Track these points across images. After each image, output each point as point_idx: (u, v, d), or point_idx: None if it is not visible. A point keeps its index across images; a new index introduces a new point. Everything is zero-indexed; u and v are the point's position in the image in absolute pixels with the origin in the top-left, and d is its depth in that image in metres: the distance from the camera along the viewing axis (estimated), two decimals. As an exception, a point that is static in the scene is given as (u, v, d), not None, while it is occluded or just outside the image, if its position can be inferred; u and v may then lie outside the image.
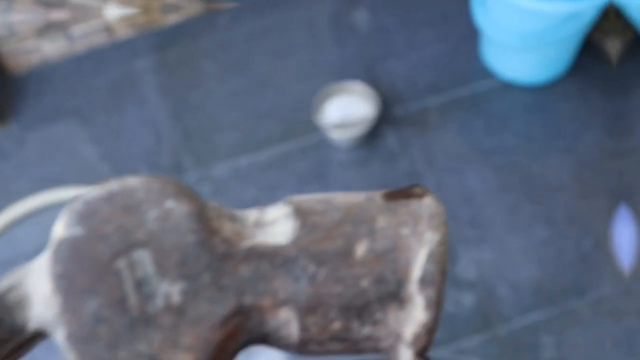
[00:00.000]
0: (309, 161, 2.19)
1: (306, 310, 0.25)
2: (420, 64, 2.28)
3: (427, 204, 0.28)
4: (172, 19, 2.42)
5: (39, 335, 0.27)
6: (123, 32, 2.40)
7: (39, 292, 0.24)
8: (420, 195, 0.29)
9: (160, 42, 2.37)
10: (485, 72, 2.26)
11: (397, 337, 0.26)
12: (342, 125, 2.14)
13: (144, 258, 0.24)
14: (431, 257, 0.25)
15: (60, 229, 0.26)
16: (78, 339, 0.23)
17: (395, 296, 0.25)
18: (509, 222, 2.09)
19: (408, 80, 2.27)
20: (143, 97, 2.27)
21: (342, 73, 2.29)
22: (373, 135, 2.16)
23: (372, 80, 2.26)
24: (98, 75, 2.31)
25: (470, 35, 2.33)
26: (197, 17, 2.43)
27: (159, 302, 0.24)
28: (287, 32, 2.40)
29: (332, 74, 2.32)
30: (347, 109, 2.18)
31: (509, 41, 1.99)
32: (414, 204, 0.28)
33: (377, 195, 0.30)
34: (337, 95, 2.18)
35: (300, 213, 0.27)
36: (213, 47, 2.40)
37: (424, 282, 0.26)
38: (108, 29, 2.38)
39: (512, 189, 2.13)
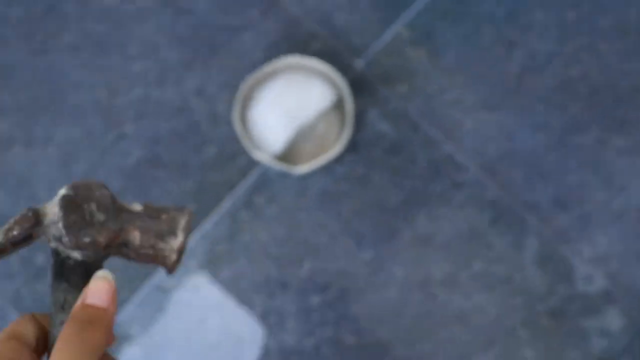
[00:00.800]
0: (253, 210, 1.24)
1: (141, 233, 0.51)
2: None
3: (185, 211, 0.54)
4: None
5: (38, 235, 0.50)
6: None
7: (51, 211, 0.49)
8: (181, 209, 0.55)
9: None
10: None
11: (172, 250, 0.52)
12: (297, 148, 1.19)
13: (92, 206, 0.49)
14: (187, 223, 0.53)
15: (64, 190, 0.49)
16: (68, 227, 0.47)
17: (173, 232, 0.52)
18: (606, 176, 1.29)
19: (339, 2, 1.31)
20: None
21: (228, 32, 1.28)
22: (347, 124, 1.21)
23: (286, 27, 1.28)
24: None
25: None
26: None
27: (97, 219, 0.49)
28: None
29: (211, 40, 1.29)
30: (293, 113, 1.22)
31: None
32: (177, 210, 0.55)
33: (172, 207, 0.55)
34: (261, 91, 1.22)
35: (146, 207, 0.53)
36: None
37: (183, 230, 0.53)
38: None
39: (586, 123, 1.30)
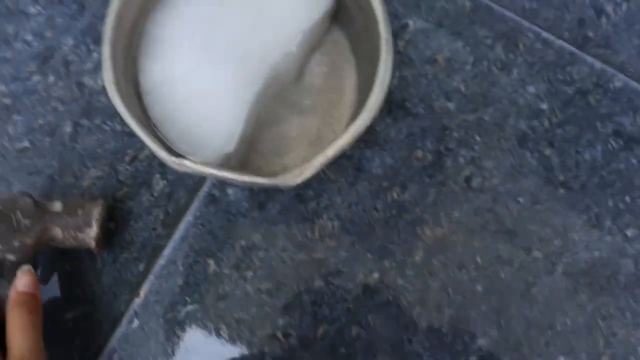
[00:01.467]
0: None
1: (63, 229, 0.56)
2: None
3: (97, 203, 0.58)
4: None
5: None
6: None
7: None
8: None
9: None
10: None
11: (90, 238, 0.56)
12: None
13: (18, 214, 0.54)
14: (100, 214, 0.56)
15: None
16: (1, 227, 0.54)
17: (89, 224, 0.56)
18: None
19: None
20: None
21: None
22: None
23: None
24: None
25: None
26: None
27: (24, 224, 0.54)
28: None
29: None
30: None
31: None
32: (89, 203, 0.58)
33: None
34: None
35: (65, 205, 0.58)
36: None
37: (97, 221, 0.56)
38: None
39: None
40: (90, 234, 0.57)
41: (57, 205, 0.58)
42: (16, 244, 0.55)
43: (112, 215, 0.61)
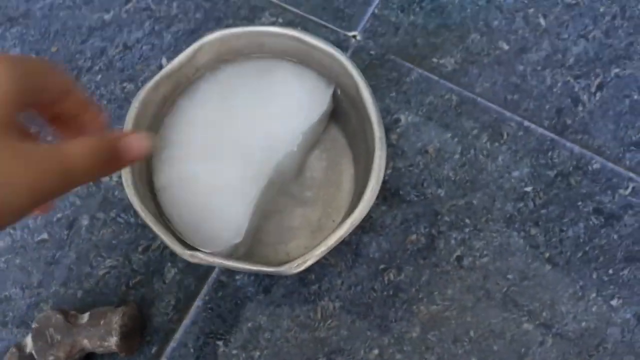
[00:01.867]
0: None
1: (89, 340, 0.59)
2: None
3: (118, 312, 0.61)
4: None
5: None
6: None
7: (29, 342, 0.60)
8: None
9: None
10: None
11: (113, 346, 0.59)
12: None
13: (51, 330, 0.60)
14: (118, 323, 0.59)
15: (34, 324, 0.60)
16: (37, 352, 0.59)
17: (110, 333, 0.59)
18: None
19: None
20: None
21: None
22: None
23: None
24: None
25: None
26: None
27: (56, 339, 0.59)
28: None
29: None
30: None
31: None
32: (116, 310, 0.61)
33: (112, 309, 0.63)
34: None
35: (91, 315, 0.61)
36: None
37: (116, 330, 0.59)
38: None
39: None
40: (113, 342, 0.59)
41: (84, 317, 0.62)
42: (50, 358, 0.59)
43: (140, 314, 0.64)
